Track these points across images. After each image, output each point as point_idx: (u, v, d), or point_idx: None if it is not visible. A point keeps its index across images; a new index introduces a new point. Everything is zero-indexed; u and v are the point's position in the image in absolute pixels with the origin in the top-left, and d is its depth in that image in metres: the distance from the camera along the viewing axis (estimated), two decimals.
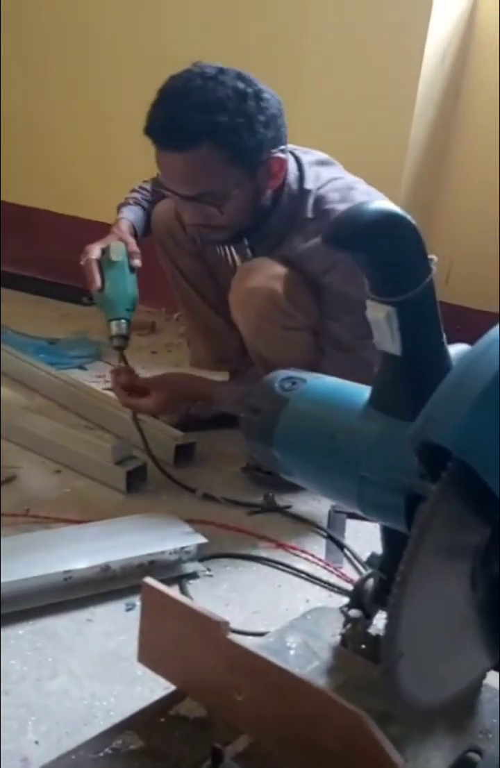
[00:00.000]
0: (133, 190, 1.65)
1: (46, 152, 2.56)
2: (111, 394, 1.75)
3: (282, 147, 1.33)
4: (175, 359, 2.07)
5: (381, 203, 0.69)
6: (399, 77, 1.86)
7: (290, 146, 1.39)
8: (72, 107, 2.49)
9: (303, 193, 1.37)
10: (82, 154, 2.50)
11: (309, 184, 1.37)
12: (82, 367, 1.97)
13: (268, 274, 1.36)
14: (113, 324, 1.43)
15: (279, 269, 1.37)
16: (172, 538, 1.19)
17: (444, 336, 0.73)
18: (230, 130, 1.26)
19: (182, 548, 1.18)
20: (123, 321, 1.43)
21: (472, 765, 0.74)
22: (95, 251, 1.44)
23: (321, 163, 1.42)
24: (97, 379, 1.90)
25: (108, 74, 2.41)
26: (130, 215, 1.58)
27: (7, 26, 2.41)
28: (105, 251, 1.45)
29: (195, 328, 1.72)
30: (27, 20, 2.46)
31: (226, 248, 1.64)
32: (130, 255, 1.46)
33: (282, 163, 1.33)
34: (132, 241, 1.49)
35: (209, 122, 1.25)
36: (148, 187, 1.66)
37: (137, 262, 1.47)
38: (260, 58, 2.12)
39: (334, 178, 1.39)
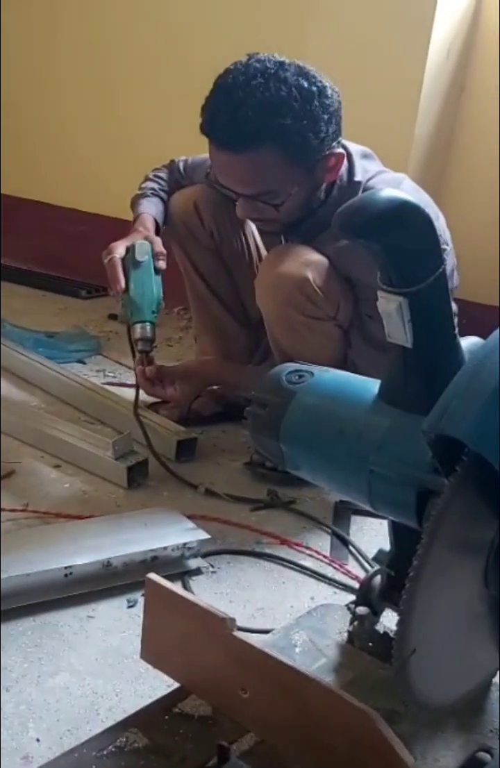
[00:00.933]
0: (148, 179, 1.60)
1: (44, 145, 2.54)
2: (111, 388, 1.75)
3: (338, 140, 1.30)
4: (176, 354, 2.05)
5: (394, 192, 0.67)
6: (404, 73, 1.85)
7: None
8: (72, 102, 2.48)
9: (353, 185, 1.34)
10: (81, 147, 2.49)
11: (358, 176, 1.34)
12: (81, 361, 1.95)
13: (300, 260, 1.33)
14: (138, 327, 1.39)
15: (312, 256, 1.34)
16: (174, 534, 1.18)
17: (457, 328, 0.72)
18: (295, 133, 1.22)
19: (184, 544, 1.17)
20: (148, 324, 1.39)
21: (482, 764, 0.73)
22: (120, 250, 1.39)
23: (365, 155, 1.39)
24: (96, 373, 1.89)
25: (110, 67, 2.40)
26: (152, 209, 1.52)
27: (7, 23, 2.39)
28: (129, 250, 1.40)
29: (204, 324, 1.68)
30: (27, 16, 2.45)
31: (246, 243, 1.60)
32: (155, 255, 1.42)
33: (340, 157, 1.31)
34: (158, 240, 1.45)
35: (273, 125, 1.21)
36: (163, 175, 1.60)
37: (162, 264, 1.42)
38: (264, 50, 2.12)
39: (382, 171, 1.36)
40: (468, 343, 0.73)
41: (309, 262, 1.33)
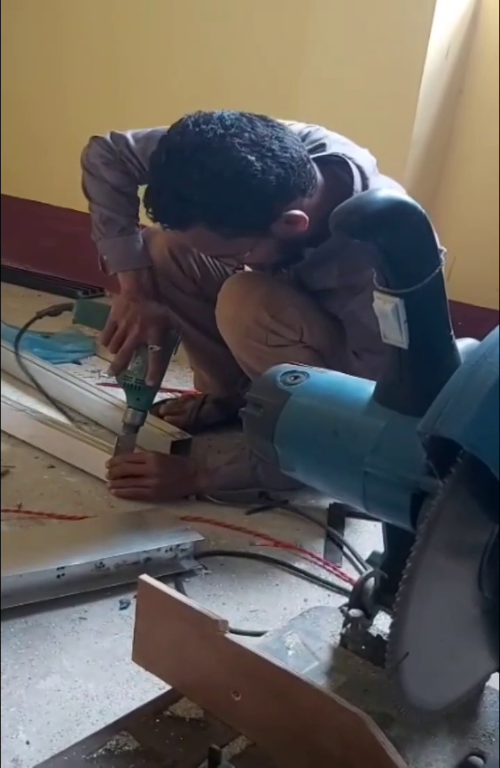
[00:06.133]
0: (101, 163, 1.39)
1: (40, 144, 2.54)
2: (106, 388, 1.74)
3: (308, 193, 1.20)
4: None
5: (392, 192, 0.67)
6: (402, 73, 1.85)
7: (348, 148, 1.28)
8: (71, 102, 2.47)
9: None
10: (78, 147, 2.47)
11: None
12: (76, 362, 1.95)
13: (254, 292, 1.30)
14: (137, 414, 1.40)
15: (265, 285, 1.31)
16: (167, 536, 1.18)
17: (452, 330, 0.72)
18: (225, 214, 1.15)
19: (178, 546, 1.16)
20: (140, 414, 1.41)
21: None
22: (158, 339, 1.37)
23: (375, 169, 1.31)
24: (92, 373, 1.89)
25: (107, 69, 2.39)
26: (148, 260, 1.41)
27: (7, 24, 2.39)
28: (160, 341, 1.37)
29: (197, 360, 1.67)
30: (30, 17, 2.45)
31: (227, 272, 1.53)
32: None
33: (300, 218, 1.21)
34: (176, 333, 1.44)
35: (199, 210, 1.15)
36: (118, 171, 1.39)
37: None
38: (263, 50, 2.12)
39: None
40: (464, 344, 0.73)
41: (263, 295, 1.30)
